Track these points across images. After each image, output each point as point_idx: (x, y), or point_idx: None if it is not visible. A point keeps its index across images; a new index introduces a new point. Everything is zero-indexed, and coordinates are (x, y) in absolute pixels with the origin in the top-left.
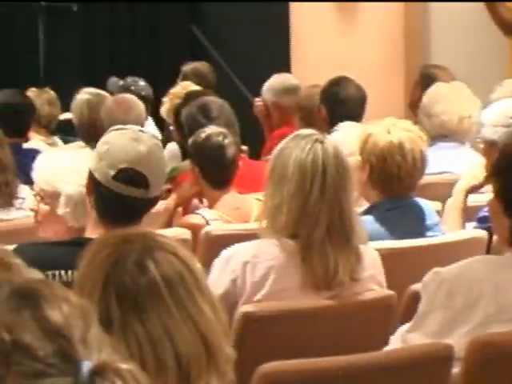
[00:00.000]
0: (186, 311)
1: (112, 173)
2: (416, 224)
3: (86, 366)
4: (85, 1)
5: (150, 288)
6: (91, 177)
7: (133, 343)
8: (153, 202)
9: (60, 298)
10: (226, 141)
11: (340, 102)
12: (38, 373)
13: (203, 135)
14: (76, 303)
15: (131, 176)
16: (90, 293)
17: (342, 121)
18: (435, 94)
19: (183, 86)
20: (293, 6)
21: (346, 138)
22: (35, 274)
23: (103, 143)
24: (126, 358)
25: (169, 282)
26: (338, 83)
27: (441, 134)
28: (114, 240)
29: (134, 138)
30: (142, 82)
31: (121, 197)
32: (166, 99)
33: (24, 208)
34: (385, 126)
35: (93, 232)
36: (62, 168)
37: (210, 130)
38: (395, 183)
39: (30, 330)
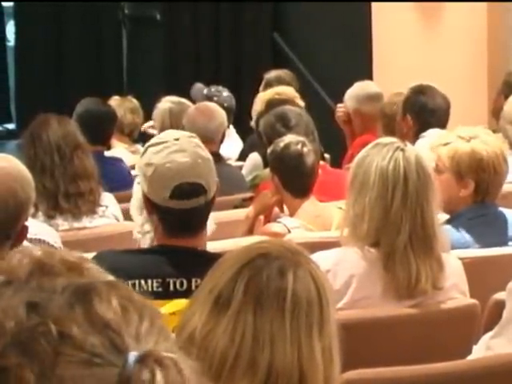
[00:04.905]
0: (297, 337)
1: (168, 194)
2: (500, 233)
3: (132, 356)
4: (168, 4)
5: (277, 294)
6: (147, 199)
7: (239, 330)
8: (213, 201)
9: (114, 294)
10: (305, 149)
11: (428, 113)
12: (85, 362)
13: (282, 144)
14: (136, 300)
15: (188, 189)
16: (223, 270)
17: (428, 129)
18: None
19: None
20: (374, 8)
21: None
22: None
23: (147, 165)
24: (227, 341)
25: (296, 301)
26: (423, 92)
27: None
28: (271, 241)
29: (174, 151)
30: (225, 93)
31: (185, 210)
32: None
33: (107, 216)
34: (475, 139)
35: (166, 241)
36: None
37: (289, 138)
38: (492, 195)
39: (78, 322)
